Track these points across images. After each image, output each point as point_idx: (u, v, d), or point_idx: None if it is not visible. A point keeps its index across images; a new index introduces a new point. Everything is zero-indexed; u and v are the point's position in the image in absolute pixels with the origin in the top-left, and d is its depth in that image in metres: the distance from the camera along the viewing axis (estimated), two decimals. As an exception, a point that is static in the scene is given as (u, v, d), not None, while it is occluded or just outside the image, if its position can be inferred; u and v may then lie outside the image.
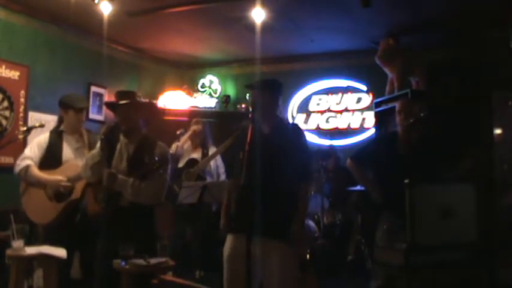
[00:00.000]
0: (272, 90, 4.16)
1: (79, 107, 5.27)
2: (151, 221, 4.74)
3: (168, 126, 8.07)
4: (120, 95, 4.78)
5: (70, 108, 5.21)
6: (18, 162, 5.15)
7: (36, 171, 5.06)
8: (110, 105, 5.00)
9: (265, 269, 3.88)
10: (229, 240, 4.06)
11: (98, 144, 4.59)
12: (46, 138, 5.22)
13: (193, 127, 7.39)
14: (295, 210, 4.01)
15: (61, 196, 5.00)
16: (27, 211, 5.14)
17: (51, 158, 5.12)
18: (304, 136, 4.24)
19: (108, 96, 8.34)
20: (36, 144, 5.18)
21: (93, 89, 8.21)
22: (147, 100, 8.54)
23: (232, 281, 3.96)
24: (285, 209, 3.98)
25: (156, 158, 4.53)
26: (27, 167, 5.05)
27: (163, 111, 9.05)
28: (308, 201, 4.87)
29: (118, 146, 4.66)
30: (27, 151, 5.19)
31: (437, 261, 3.70)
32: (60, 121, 5.41)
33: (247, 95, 4.42)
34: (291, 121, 9.24)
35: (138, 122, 4.73)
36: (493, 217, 6.57)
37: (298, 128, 4.28)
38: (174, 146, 7.09)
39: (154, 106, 8.56)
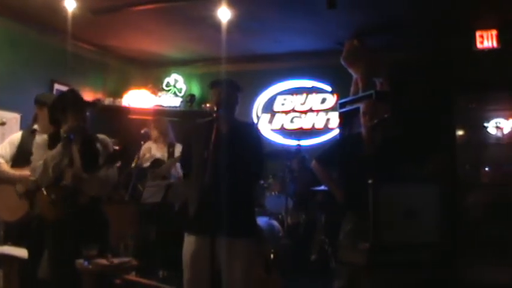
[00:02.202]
0: (234, 89, 4.20)
1: None
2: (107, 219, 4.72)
3: (132, 125, 8.01)
4: (72, 94, 4.68)
5: (45, 105, 5.12)
6: None
7: (5, 168, 5.09)
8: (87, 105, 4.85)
9: (230, 270, 3.88)
10: (190, 241, 4.03)
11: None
12: (18, 136, 5.24)
13: (154, 133, 7.35)
14: (252, 208, 4.07)
15: (31, 194, 4.93)
16: None
17: (22, 156, 5.07)
18: (258, 134, 4.33)
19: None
20: (8, 143, 5.21)
21: (57, 86, 8.02)
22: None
23: (196, 283, 3.94)
24: (245, 208, 4.01)
25: (112, 150, 4.55)
26: None
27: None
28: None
29: None
30: None
31: (401, 261, 3.74)
32: (34, 120, 5.35)
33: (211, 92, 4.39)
34: (255, 121, 9.31)
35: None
36: (456, 217, 6.66)
37: (253, 125, 4.33)
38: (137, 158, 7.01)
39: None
